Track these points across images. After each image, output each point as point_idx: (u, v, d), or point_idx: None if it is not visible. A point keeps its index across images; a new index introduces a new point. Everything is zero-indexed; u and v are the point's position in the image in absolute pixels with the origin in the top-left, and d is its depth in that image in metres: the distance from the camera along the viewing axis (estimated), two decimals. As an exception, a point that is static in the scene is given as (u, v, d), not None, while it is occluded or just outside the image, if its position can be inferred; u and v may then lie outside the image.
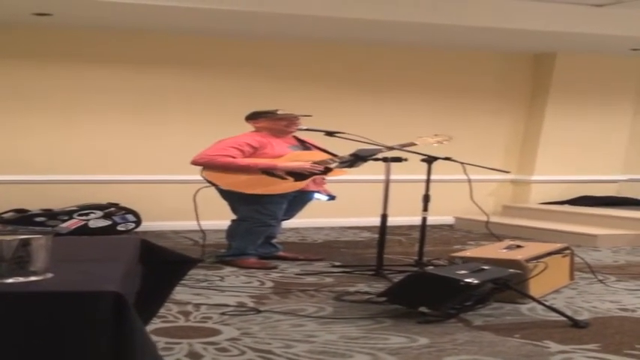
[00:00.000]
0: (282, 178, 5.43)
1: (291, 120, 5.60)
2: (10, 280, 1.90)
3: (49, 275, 1.98)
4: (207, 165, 5.39)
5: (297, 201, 5.65)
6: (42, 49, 7.35)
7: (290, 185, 5.45)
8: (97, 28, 7.31)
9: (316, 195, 5.67)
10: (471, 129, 8.56)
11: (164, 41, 7.61)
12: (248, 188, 5.36)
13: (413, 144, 5.46)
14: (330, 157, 5.57)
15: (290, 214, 5.76)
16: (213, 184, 5.43)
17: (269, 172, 5.39)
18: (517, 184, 8.89)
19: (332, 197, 5.69)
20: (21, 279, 1.91)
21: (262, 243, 5.68)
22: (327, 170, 5.56)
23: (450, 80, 8.55)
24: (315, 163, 5.51)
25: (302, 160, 5.51)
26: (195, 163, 5.43)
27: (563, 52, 8.50)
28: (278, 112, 5.62)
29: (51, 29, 7.22)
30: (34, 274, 1.94)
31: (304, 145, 5.70)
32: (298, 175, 5.46)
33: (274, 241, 5.80)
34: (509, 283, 4.02)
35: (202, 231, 5.49)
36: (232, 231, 5.57)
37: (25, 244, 1.94)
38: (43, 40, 7.30)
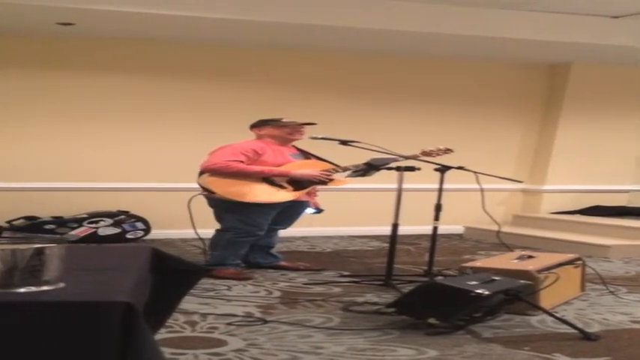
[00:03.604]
0: (283, 187, 5.42)
1: (295, 128, 5.61)
2: (22, 290, 1.90)
3: (61, 285, 1.98)
4: (220, 171, 5.33)
5: (292, 211, 5.64)
6: (62, 58, 7.41)
7: (286, 195, 5.44)
8: (114, 38, 7.39)
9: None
10: (484, 138, 8.58)
11: (176, 51, 7.66)
12: (243, 196, 5.31)
13: (418, 157, 5.45)
14: (332, 166, 5.58)
15: (286, 223, 5.74)
16: (211, 192, 5.38)
17: (270, 180, 5.38)
18: (528, 193, 8.87)
19: (319, 211, 5.70)
20: (33, 288, 1.91)
21: (262, 253, 5.69)
22: (330, 179, 5.56)
23: (465, 90, 8.58)
24: (323, 171, 5.51)
25: (306, 168, 5.52)
26: (208, 169, 5.37)
27: (578, 62, 8.51)
28: (283, 120, 5.63)
29: (73, 39, 7.28)
30: (47, 283, 1.94)
31: (304, 154, 5.70)
32: (298, 184, 5.46)
33: (273, 250, 5.79)
34: (519, 295, 4.00)
35: (201, 239, 5.48)
36: (215, 241, 5.50)
37: (39, 253, 1.93)
38: (64, 49, 7.37)
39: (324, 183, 5.51)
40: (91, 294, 1.95)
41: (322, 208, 5.73)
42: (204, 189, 5.43)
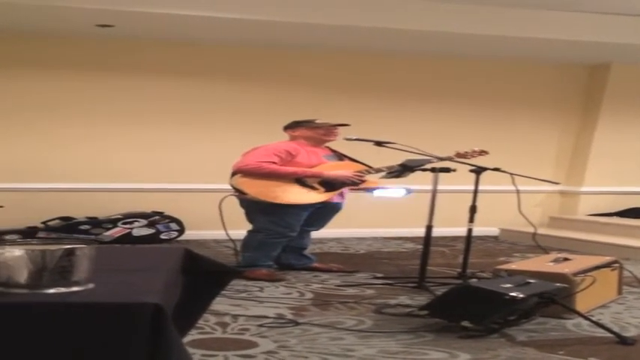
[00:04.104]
0: (314, 188, 5.40)
1: (328, 129, 5.59)
2: (51, 291, 1.90)
3: (91, 285, 1.97)
4: (252, 172, 5.33)
5: (325, 212, 5.62)
6: (100, 60, 7.51)
7: (318, 196, 5.42)
8: (152, 40, 7.49)
9: (376, 192, 5.58)
10: (521, 140, 8.52)
11: (212, 52, 7.72)
12: (275, 198, 5.30)
13: (453, 158, 5.40)
14: (366, 167, 5.55)
15: (319, 224, 5.73)
16: (242, 193, 5.39)
17: (302, 181, 5.37)
18: (565, 195, 8.76)
19: (410, 191, 5.58)
20: (62, 289, 1.91)
21: (294, 254, 5.68)
22: (362, 181, 5.53)
23: (502, 91, 8.54)
24: (356, 172, 5.48)
25: (340, 169, 5.50)
26: (240, 170, 5.37)
27: (617, 63, 8.38)
28: (316, 121, 5.61)
29: (111, 40, 7.37)
30: (76, 284, 1.94)
31: (338, 156, 5.68)
32: (330, 185, 5.43)
33: (306, 252, 5.78)
34: (555, 298, 3.93)
35: (232, 240, 5.49)
36: (246, 242, 5.51)
37: (69, 253, 1.93)
38: (103, 51, 7.46)
39: (356, 184, 5.49)
40: (119, 295, 1.94)
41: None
42: (236, 190, 5.44)
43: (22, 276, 1.90)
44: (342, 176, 5.44)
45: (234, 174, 5.45)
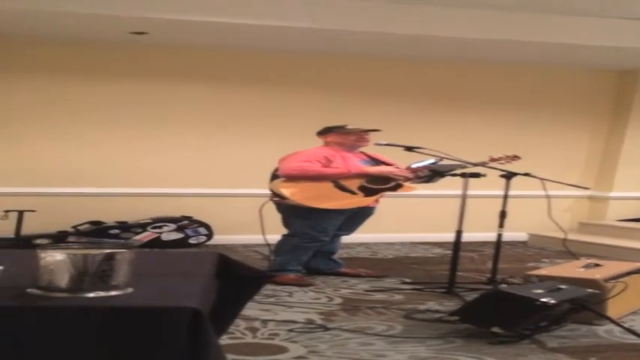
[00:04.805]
0: (353, 192, 5.41)
1: (360, 135, 5.59)
2: (91, 295, 1.92)
3: (130, 290, 1.99)
4: (298, 176, 5.33)
5: (359, 216, 5.63)
6: (134, 66, 7.60)
7: (357, 201, 5.43)
8: (185, 47, 7.58)
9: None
10: (551, 145, 8.50)
11: (244, 59, 7.80)
12: (314, 202, 5.30)
13: (486, 163, 5.39)
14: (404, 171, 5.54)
15: (351, 229, 5.73)
16: (282, 197, 5.39)
17: (341, 185, 5.38)
18: (594, 200, 8.70)
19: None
20: (102, 293, 1.93)
21: (324, 259, 5.68)
22: (398, 186, 5.52)
23: (532, 96, 8.53)
24: (397, 169, 5.48)
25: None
26: (285, 174, 5.36)
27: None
28: (347, 127, 5.62)
29: (145, 47, 7.47)
30: (116, 288, 1.96)
31: (375, 161, 5.67)
32: (369, 190, 5.44)
33: (335, 256, 5.78)
34: (586, 304, 3.91)
35: (269, 245, 5.51)
36: (280, 246, 5.52)
37: (109, 258, 1.95)
38: (137, 58, 7.56)
39: (400, 186, 5.47)
40: (159, 299, 1.97)
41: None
42: (275, 194, 5.45)
43: (64, 280, 1.93)
44: (388, 171, 5.44)
45: (274, 178, 5.46)
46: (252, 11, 6.53)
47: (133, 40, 7.13)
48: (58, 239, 6.80)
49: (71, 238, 6.95)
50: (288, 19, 6.58)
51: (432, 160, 5.43)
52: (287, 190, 5.35)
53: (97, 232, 7.09)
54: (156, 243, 7.11)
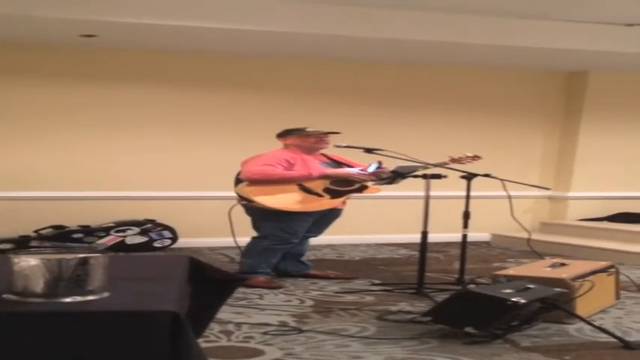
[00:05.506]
0: (320, 195, 5.39)
1: (319, 137, 5.57)
2: (68, 300, 1.88)
3: (106, 294, 1.96)
4: (261, 180, 5.28)
5: (327, 218, 5.61)
6: (86, 69, 7.45)
7: (325, 203, 5.41)
8: (137, 50, 7.45)
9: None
10: (507, 146, 8.55)
11: (202, 62, 7.69)
12: (283, 205, 5.29)
13: (446, 164, 5.41)
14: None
15: (319, 230, 5.71)
16: (249, 201, 5.36)
17: (307, 188, 5.36)
18: (554, 200, 8.80)
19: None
20: (79, 298, 1.89)
21: (292, 261, 5.66)
22: (363, 187, 5.52)
23: (485, 98, 8.58)
24: (360, 171, 5.47)
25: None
26: (248, 178, 5.30)
27: (595, 70, 8.48)
28: (307, 130, 5.60)
29: (96, 50, 7.33)
30: (92, 293, 1.92)
31: (336, 163, 5.65)
32: (334, 192, 5.42)
33: (303, 258, 5.76)
34: (557, 303, 3.94)
35: (239, 247, 5.47)
36: (249, 248, 5.48)
37: (84, 262, 1.91)
38: (88, 60, 7.41)
39: (365, 187, 5.47)
40: (136, 303, 1.93)
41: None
42: (242, 198, 5.40)
43: (39, 285, 1.89)
44: (347, 173, 5.43)
45: (238, 182, 5.42)
46: (208, 14, 6.40)
47: (83, 42, 7.00)
48: (21, 244, 6.67)
49: (34, 243, 6.81)
50: (246, 22, 6.48)
51: (375, 165, 5.45)
52: (256, 196, 5.30)
53: (60, 236, 6.96)
54: (120, 247, 7.00)
